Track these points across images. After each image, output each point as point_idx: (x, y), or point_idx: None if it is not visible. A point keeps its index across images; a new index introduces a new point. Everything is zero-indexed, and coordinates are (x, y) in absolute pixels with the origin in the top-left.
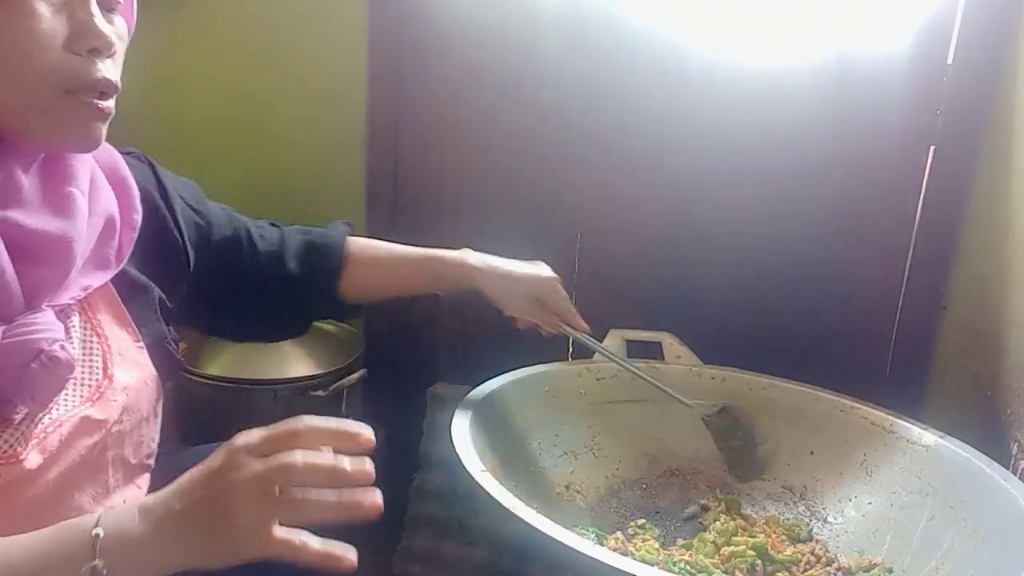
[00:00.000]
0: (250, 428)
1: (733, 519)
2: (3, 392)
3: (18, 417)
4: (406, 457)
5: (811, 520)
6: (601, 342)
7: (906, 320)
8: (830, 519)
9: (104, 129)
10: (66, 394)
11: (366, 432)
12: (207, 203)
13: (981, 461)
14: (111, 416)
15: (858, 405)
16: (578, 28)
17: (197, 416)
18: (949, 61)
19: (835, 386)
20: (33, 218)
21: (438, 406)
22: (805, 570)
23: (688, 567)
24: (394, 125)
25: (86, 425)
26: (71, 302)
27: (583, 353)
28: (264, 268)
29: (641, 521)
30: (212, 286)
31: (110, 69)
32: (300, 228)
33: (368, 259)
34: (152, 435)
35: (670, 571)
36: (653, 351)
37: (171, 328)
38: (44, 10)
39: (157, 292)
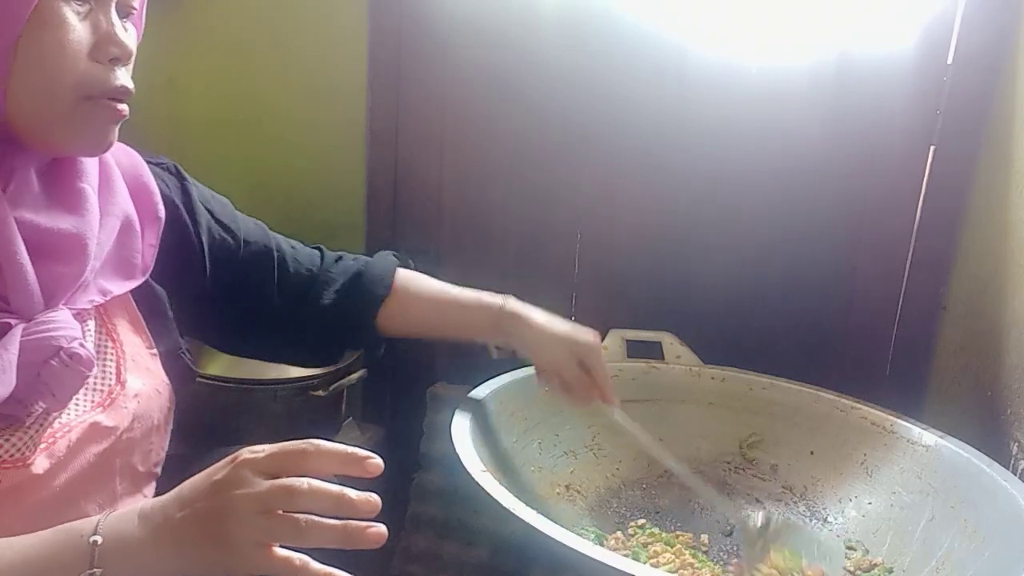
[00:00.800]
0: (250, 428)
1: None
2: (22, 391)
3: (29, 420)
4: (406, 457)
5: (811, 520)
6: (602, 342)
7: (906, 320)
8: (830, 519)
9: (116, 132)
10: (77, 399)
11: (374, 459)
12: (238, 218)
13: (981, 461)
14: (121, 423)
15: (858, 405)
16: (578, 28)
17: (197, 416)
18: (949, 61)
19: (835, 386)
20: (46, 217)
21: (438, 406)
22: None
23: None
24: (394, 125)
25: (95, 431)
26: (90, 306)
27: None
28: (297, 290)
29: (641, 521)
30: (229, 302)
31: (126, 76)
32: (347, 256)
33: (412, 296)
34: (162, 444)
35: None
36: (653, 351)
37: (185, 338)
38: (74, 20)
39: (169, 300)
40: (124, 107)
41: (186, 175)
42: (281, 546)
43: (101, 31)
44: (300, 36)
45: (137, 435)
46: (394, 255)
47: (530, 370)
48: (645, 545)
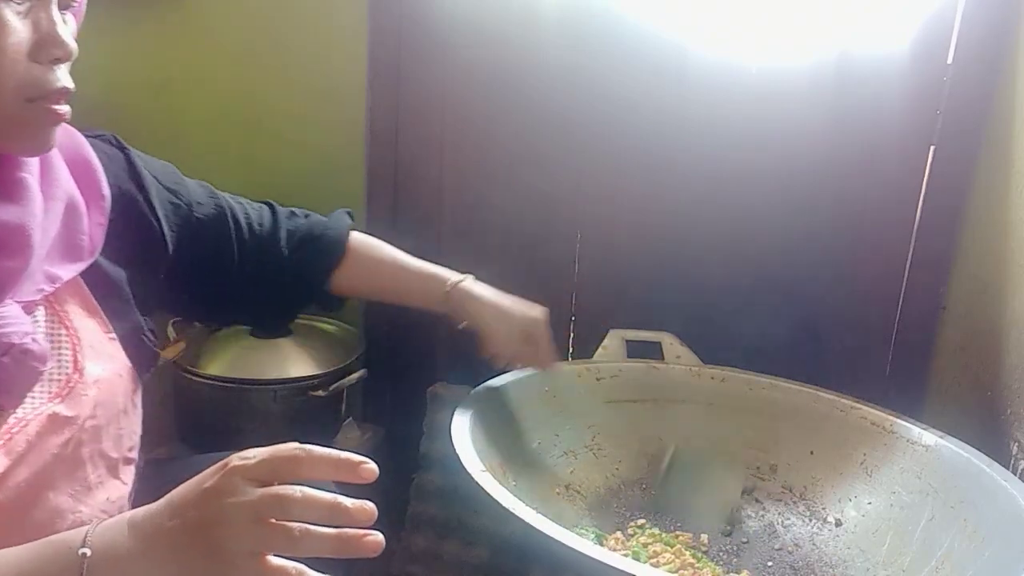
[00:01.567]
0: (250, 428)
1: None
2: None
3: None
4: (406, 457)
5: (811, 519)
6: (601, 342)
7: (906, 320)
8: (830, 519)
9: (56, 133)
10: (32, 392)
11: (369, 464)
12: (185, 182)
13: (981, 461)
14: (82, 412)
15: (858, 405)
16: (578, 28)
17: (197, 416)
18: (949, 61)
19: (835, 386)
20: None
21: (438, 406)
22: None
23: None
24: (394, 125)
25: (54, 423)
26: (38, 296)
27: (584, 353)
28: (252, 250)
29: (641, 521)
30: (194, 268)
31: (67, 75)
32: (298, 212)
33: (370, 259)
34: (132, 428)
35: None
36: (653, 351)
37: (147, 318)
38: (13, 21)
39: (129, 279)
40: (65, 109)
41: (127, 145)
42: (276, 554)
43: (42, 31)
44: (300, 36)
45: (102, 422)
46: (348, 214)
47: (530, 370)
48: (645, 545)
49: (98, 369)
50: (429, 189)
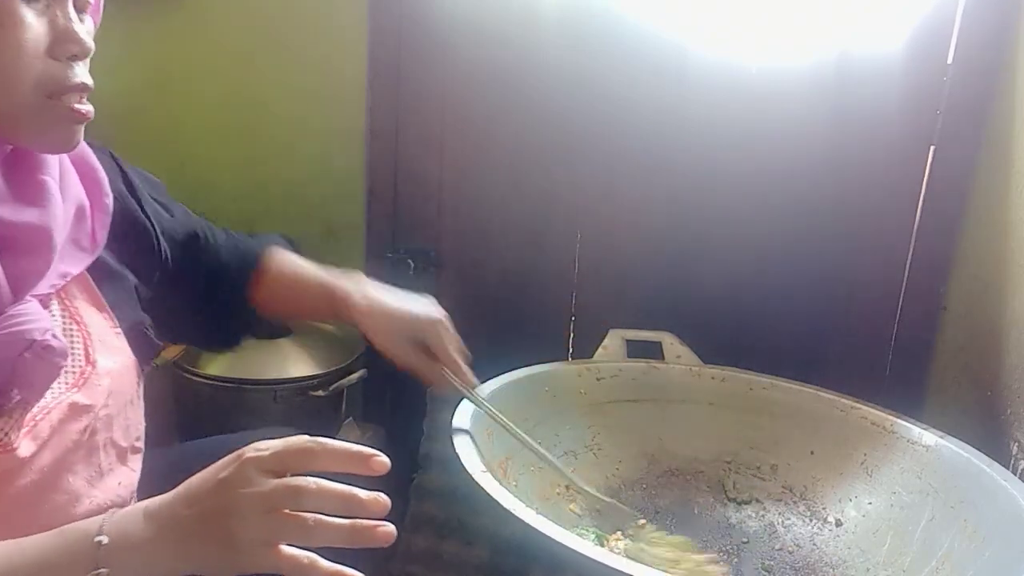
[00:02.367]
0: (250, 428)
1: None
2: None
3: (9, 406)
4: (406, 457)
5: (811, 519)
6: (601, 342)
7: (906, 320)
8: (830, 519)
9: (82, 131)
10: (55, 382)
11: (380, 457)
12: (170, 199)
13: (981, 461)
14: (97, 401)
15: (858, 405)
16: (578, 28)
17: (197, 416)
18: (949, 61)
19: (835, 386)
20: (10, 210)
21: (438, 406)
22: None
23: None
24: (394, 125)
25: (74, 410)
26: (51, 291)
27: (584, 353)
28: (211, 272)
29: (642, 521)
30: (174, 286)
31: (85, 72)
32: (228, 231)
33: (273, 274)
34: (138, 418)
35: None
36: (653, 351)
37: (147, 315)
38: (31, 19)
39: (132, 279)
40: (87, 108)
41: (120, 159)
42: (289, 544)
43: (59, 28)
44: (300, 36)
45: (113, 411)
46: (288, 240)
47: (531, 370)
48: (649, 544)
49: (108, 362)
50: (429, 189)
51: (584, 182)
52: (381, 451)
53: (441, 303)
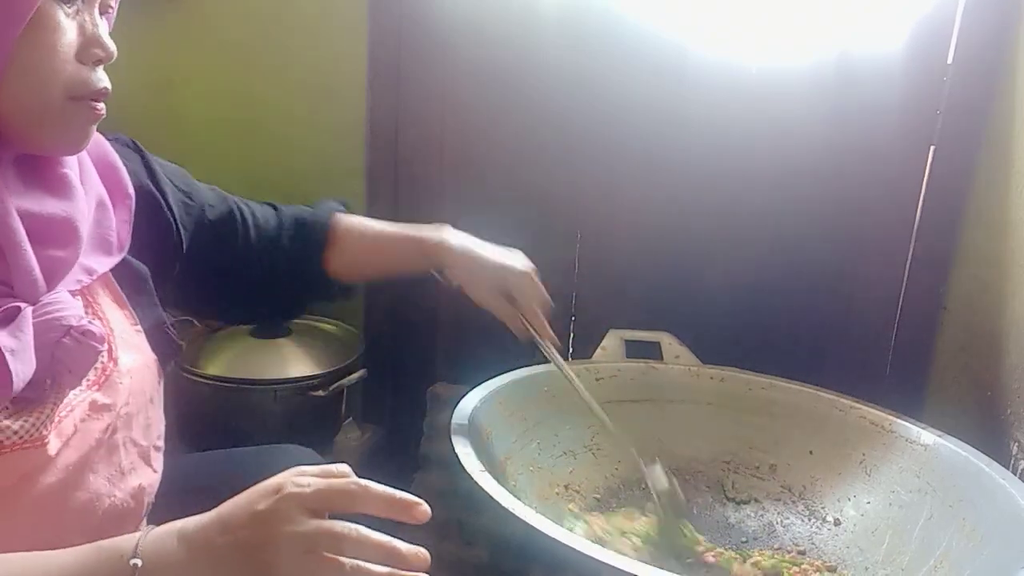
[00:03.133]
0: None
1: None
2: (38, 371)
3: (43, 400)
4: (406, 457)
5: (811, 519)
6: (600, 342)
7: (906, 320)
8: (829, 518)
9: (94, 130)
10: None
11: (423, 506)
12: (196, 185)
13: (980, 461)
14: (118, 400)
15: (858, 405)
16: (578, 28)
17: (197, 416)
18: (949, 61)
19: (835, 386)
20: (37, 203)
21: (438, 406)
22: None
23: None
24: (394, 125)
25: (95, 409)
26: (78, 287)
27: (583, 353)
28: (259, 248)
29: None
30: (208, 268)
31: (105, 76)
32: (296, 207)
33: (354, 236)
34: (158, 417)
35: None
36: (653, 351)
37: (167, 312)
38: (65, 23)
39: (150, 275)
40: (102, 107)
41: (144, 149)
42: None
43: (87, 33)
44: (300, 36)
45: (133, 410)
46: (342, 203)
47: (530, 370)
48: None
49: (129, 360)
50: (429, 189)
51: (584, 182)
52: (381, 451)
53: (441, 302)
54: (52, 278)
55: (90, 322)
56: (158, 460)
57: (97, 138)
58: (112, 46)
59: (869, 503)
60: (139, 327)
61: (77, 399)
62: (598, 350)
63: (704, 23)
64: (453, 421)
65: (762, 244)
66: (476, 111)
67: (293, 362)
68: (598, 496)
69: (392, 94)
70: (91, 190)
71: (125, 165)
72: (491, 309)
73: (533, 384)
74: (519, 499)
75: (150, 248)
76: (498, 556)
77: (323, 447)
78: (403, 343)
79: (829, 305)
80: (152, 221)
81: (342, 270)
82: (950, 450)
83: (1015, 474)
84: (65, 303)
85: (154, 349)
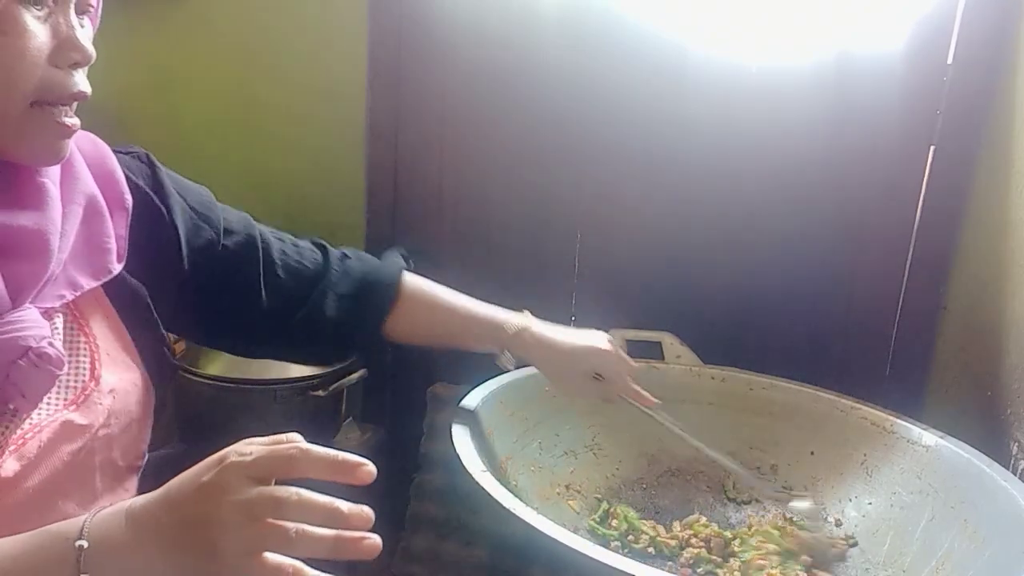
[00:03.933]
0: (250, 428)
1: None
2: None
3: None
4: (406, 457)
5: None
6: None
7: (906, 320)
8: (830, 519)
9: (69, 145)
10: (48, 398)
11: (367, 466)
12: (217, 208)
13: (981, 461)
14: (95, 420)
15: (858, 405)
16: (578, 28)
17: (197, 416)
18: (949, 61)
19: (835, 386)
20: (6, 215)
21: (438, 406)
22: None
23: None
24: (394, 125)
25: (68, 430)
26: (58, 303)
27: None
28: (290, 287)
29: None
30: (216, 295)
31: (84, 80)
32: (350, 253)
33: (421, 304)
34: (143, 437)
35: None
36: (653, 351)
37: (166, 332)
38: (34, 26)
39: (147, 293)
40: (74, 121)
41: (158, 163)
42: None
43: (61, 35)
44: (300, 36)
45: (115, 431)
46: (401, 255)
47: (530, 370)
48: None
49: (114, 378)
50: (429, 189)
51: (584, 182)
52: (381, 451)
53: None
54: (18, 293)
55: (51, 344)
56: (132, 481)
57: (98, 144)
58: (90, 48)
59: (870, 504)
60: (133, 346)
61: (47, 419)
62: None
63: (704, 23)
64: (453, 421)
65: (762, 244)
66: (476, 111)
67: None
68: (599, 496)
69: (392, 94)
70: (79, 195)
71: (128, 175)
72: (583, 396)
73: (533, 384)
74: (520, 499)
75: (148, 263)
76: (498, 556)
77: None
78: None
79: (829, 305)
80: (152, 233)
81: (399, 334)
82: (951, 451)
83: (1015, 474)
84: (28, 322)
85: (148, 369)
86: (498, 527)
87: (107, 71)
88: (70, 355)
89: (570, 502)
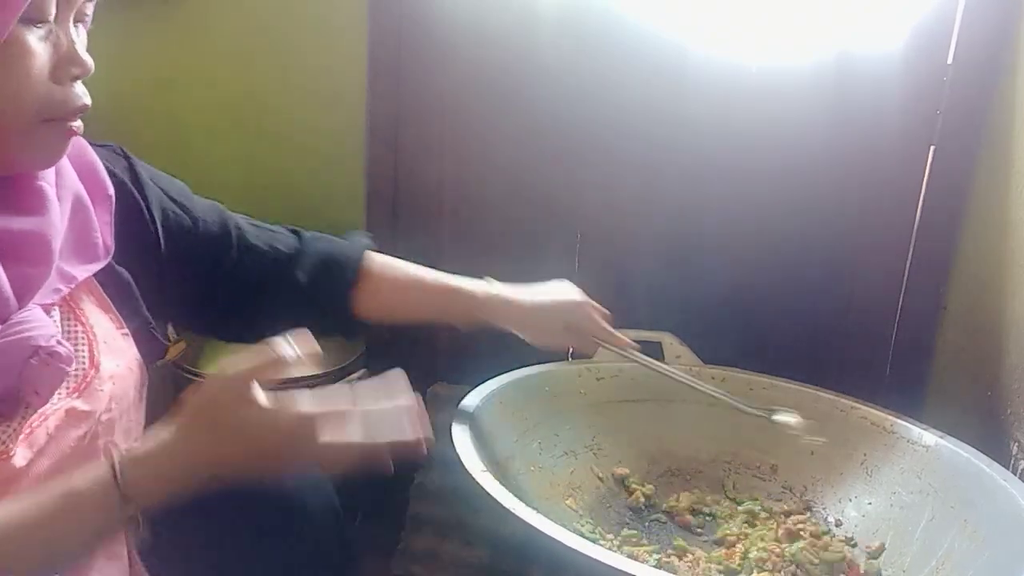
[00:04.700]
0: None
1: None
2: (4, 391)
3: (15, 414)
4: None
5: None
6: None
7: (906, 320)
8: (830, 519)
9: (70, 145)
10: None
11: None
12: (193, 199)
13: (981, 461)
14: (98, 407)
15: (858, 405)
16: (578, 28)
17: None
18: (949, 61)
19: (835, 386)
20: (11, 221)
21: (438, 406)
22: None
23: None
24: (394, 125)
25: (73, 417)
26: (56, 297)
27: (584, 354)
28: (263, 271)
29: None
30: (200, 283)
31: (85, 92)
32: (321, 236)
33: (388, 278)
34: (139, 419)
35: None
36: (653, 351)
37: (152, 314)
38: (36, 46)
39: (130, 277)
40: (79, 125)
41: (132, 156)
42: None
43: (62, 51)
44: (300, 36)
45: (116, 415)
46: (368, 236)
47: (530, 370)
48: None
49: (112, 364)
50: (429, 189)
51: (584, 182)
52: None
53: None
54: (24, 295)
55: (59, 342)
56: None
57: (77, 139)
58: (89, 61)
59: (870, 504)
60: (125, 330)
61: (53, 407)
62: (599, 350)
63: (704, 23)
64: (453, 421)
65: (763, 244)
66: (476, 111)
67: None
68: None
69: (392, 94)
70: (67, 192)
71: (107, 167)
72: (560, 348)
73: (533, 384)
74: (520, 499)
75: (132, 252)
76: (498, 556)
77: None
78: (403, 343)
79: (829, 305)
80: (132, 223)
81: (369, 311)
82: (951, 451)
83: (1015, 474)
84: (35, 322)
85: (140, 351)
86: (498, 527)
87: (107, 71)
88: (69, 344)
89: (569, 502)
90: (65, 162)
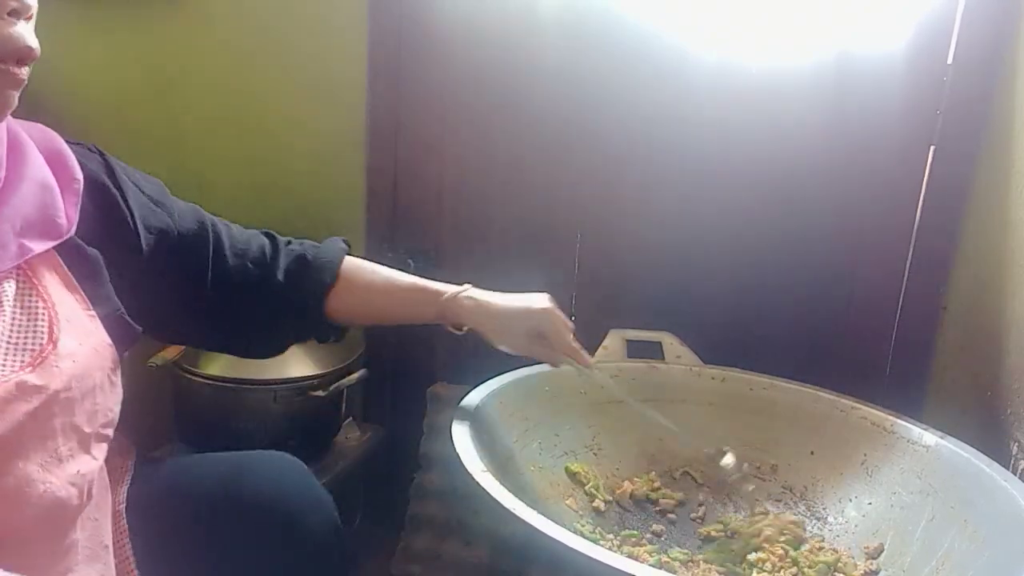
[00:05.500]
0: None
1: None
2: None
3: None
4: (406, 457)
5: (811, 519)
6: (600, 342)
7: (906, 320)
8: (830, 519)
9: (16, 96)
10: (3, 360)
11: None
12: (172, 199)
13: (981, 461)
14: (53, 383)
15: (858, 405)
16: (578, 28)
17: (197, 416)
18: (949, 61)
19: (835, 386)
20: None
21: (438, 406)
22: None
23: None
24: (394, 125)
25: (23, 390)
26: (10, 267)
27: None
28: (239, 275)
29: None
30: (169, 282)
31: (31, 33)
32: (294, 241)
33: (360, 280)
34: (108, 404)
35: None
36: (653, 351)
37: (123, 302)
38: None
39: (104, 265)
40: (24, 72)
41: (107, 154)
42: None
43: None
44: (300, 36)
45: (76, 395)
46: (344, 241)
47: (530, 370)
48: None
49: (74, 343)
50: (429, 189)
51: (584, 182)
52: (381, 451)
53: None
54: None
55: None
56: (100, 449)
57: (48, 133)
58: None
59: (871, 504)
60: (92, 312)
61: (2, 379)
62: (599, 350)
63: (704, 23)
64: (453, 421)
65: (763, 244)
66: (476, 111)
67: (293, 362)
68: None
69: (392, 94)
70: (31, 172)
71: (80, 161)
72: (524, 354)
73: (533, 384)
74: (520, 499)
75: (104, 238)
76: (498, 556)
77: (323, 447)
78: (403, 343)
79: (829, 305)
80: (107, 214)
81: (341, 313)
82: (951, 451)
83: (1015, 474)
84: None
85: (111, 335)
86: (498, 527)
87: (107, 71)
88: (26, 319)
89: (569, 502)
90: (32, 150)
